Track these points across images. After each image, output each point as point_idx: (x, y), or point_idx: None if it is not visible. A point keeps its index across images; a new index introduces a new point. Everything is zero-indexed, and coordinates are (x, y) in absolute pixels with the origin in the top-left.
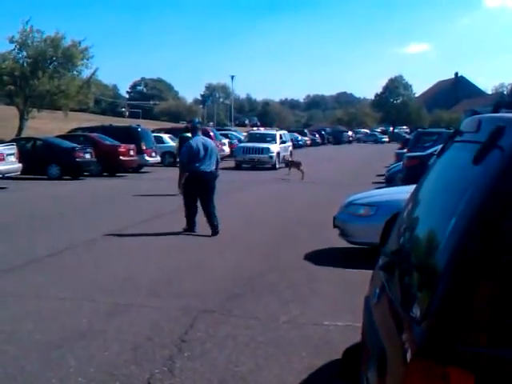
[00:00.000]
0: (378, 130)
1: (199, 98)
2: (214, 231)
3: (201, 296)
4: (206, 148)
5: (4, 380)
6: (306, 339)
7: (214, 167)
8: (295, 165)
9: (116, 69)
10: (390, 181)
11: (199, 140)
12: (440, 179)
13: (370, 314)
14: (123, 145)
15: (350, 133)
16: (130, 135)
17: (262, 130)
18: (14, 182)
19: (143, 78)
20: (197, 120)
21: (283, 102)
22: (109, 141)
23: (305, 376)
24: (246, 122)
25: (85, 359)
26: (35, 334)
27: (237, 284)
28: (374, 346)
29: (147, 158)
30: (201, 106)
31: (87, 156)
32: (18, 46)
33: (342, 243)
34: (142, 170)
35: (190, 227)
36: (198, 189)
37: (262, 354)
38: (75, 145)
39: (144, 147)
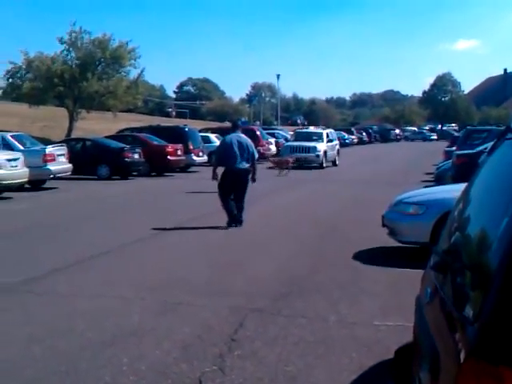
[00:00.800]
0: (426, 128)
1: (245, 97)
2: (238, 223)
3: (250, 295)
4: (239, 145)
5: (58, 377)
6: (356, 339)
7: (248, 164)
8: (283, 163)
9: (163, 69)
10: (439, 179)
11: (234, 137)
12: (491, 177)
13: (422, 313)
14: (171, 145)
15: (397, 131)
16: (178, 135)
17: (309, 129)
18: (65, 182)
19: (190, 78)
20: (243, 119)
21: (329, 101)
22: (157, 141)
23: (355, 376)
24: (298, 121)
25: (136, 357)
26: (87, 332)
27: (285, 283)
28: (426, 346)
29: (194, 157)
30: (247, 106)
31: (136, 156)
32: (66, 47)
33: (391, 242)
34: (190, 170)
35: (231, 221)
36: (231, 183)
37: (312, 353)
38: (124, 145)
39: (191, 147)
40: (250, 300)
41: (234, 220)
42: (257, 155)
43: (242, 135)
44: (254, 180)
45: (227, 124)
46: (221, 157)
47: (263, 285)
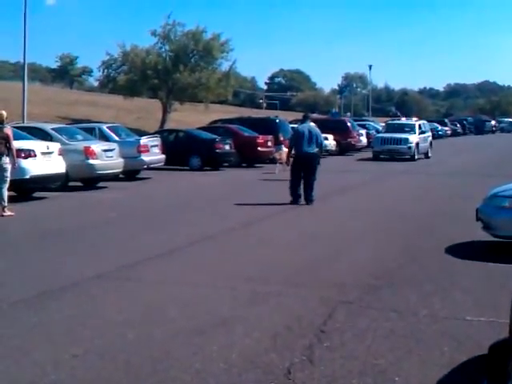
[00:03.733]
0: None
1: (336, 88)
2: (308, 201)
3: (339, 286)
4: (310, 133)
5: (150, 363)
6: (448, 334)
7: (317, 149)
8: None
9: (255, 61)
10: None
11: (305, 126)
12: None
13: None
14: (261, 136)
15: (493, 122)
16: (268, 126)
17: (401, 120)
18: (158, 172)
19: (281, 70)
20: (334, 110)
21: (422, 91)
22: (247, 132)
23: (446, 371)
24: (398, 113)
25: (226, 345)
26: (179, 319)
27: (375, 275)
28: None
29: (284, 148)
30: (338, 97)
31: (227, 147)
32: (160, 40)
33: (486, 236)
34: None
35: (294, 199)
36: (301, 166)
37: (402, 347)
38: (215, 136)
39: (282, 138)
40: (339, 291)
41: (296, 201)
42: (324, 142)
43: (312, 125)
44: (318, 162)
45: (320, 116)
46: (293, 143)
47: (353, 277)
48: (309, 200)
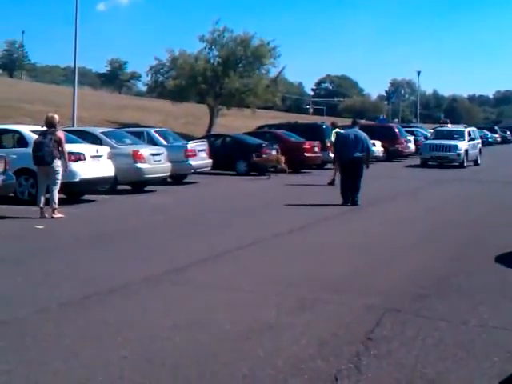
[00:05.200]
0: None
1: (384, 94)
2: (354, 203)
3: (387, 295)
4: (355, 138)
5: (197, 367)
6: (498, 344)
7: (362, 154)
8: (272, 161)
9: (302, 67)
10: None
11: (352, 131)
12: None
13: None
14: (308, 141)
15: None
16: (315, 132)
17: (450, 127)
18: (205, 176)
19: (328, 75)
20: (381, 117)
21: (471, 98)
22: (294, 137)
23: (496, 382)
24: (448, 120)
25: (273, 351)
26: (226, 324)
27: (424, 284)
28: None
29: (331, 154)
30: (385, 103)
31: (273, 152)
32: (208, 46)
33: None
34: (326, 167)
35: (344, 201)
36: (348, 169)
37: (451, 356)
38: (262, 141)
39: (328, 144)
40: (387, 299)
41: (346, 202)
42: (371, 148)
43: (359, 130)
44: (367, 166)
45: (364, 121)
46: (338, 147)
47: (401, 285)
48: (354, 202)
